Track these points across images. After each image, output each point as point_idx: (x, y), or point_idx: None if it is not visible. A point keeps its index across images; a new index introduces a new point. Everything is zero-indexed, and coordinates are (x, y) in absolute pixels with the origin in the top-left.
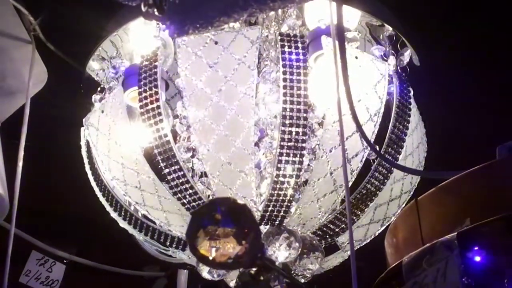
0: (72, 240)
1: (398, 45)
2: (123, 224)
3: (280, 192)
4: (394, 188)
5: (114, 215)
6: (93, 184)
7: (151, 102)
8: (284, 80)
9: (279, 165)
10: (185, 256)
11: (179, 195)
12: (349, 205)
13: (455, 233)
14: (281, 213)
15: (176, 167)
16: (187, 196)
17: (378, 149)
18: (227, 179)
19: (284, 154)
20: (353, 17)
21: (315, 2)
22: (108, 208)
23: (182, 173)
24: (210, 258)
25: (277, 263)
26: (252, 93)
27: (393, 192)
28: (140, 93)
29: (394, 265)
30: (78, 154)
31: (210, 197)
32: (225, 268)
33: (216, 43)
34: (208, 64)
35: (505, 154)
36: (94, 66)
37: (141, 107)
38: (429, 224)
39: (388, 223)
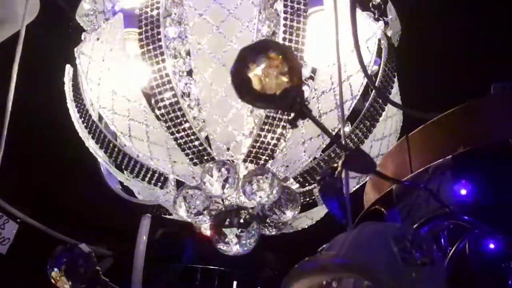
0: (29, 201)
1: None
2: (99, 152)
3: (267, 134)
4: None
5: (91, 142)
6: (76, 116)
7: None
8: (285, 25)
9: None
10: (161, 193)
11: (170, 123)
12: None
13: (449, 157)
14: (268, 152)
15: (171, 93)
16: (180, 131)
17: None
18: (220, 110)
19: None
20: None
21: None
22: (86, 137)
23: (178, 106)
24: (257, 88)
25: (255, 204)
26: (254, 27)
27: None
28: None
29: (382, 194)
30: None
31: (199, 127)
32: (266, 102)
33: None
34: None
35: (499, 91)
36: (85, 7)
37: (141, 46)
38: (419, 157)
39: (359, 184)
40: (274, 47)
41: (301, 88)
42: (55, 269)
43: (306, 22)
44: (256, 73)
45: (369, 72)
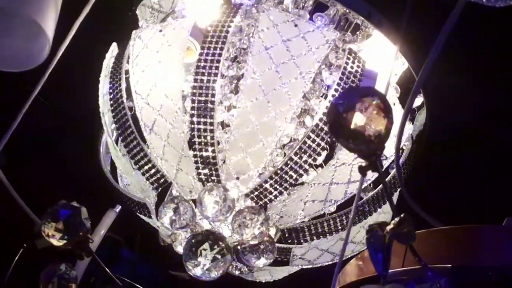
0: None
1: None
2: (110, 129)
3: (277, 180)
4: (361, 232)
5: (106, 117)
6: (104, 91)
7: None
8: (336, 90)
9: (297, 152)
10: (152, 194)
11: (196, 132)
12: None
13: (449, 265)
14: (270, 197)
15: (210, 106)
16: (202, 144)
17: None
18: (247, 140)
19: (305, 147)
20: (400, 71)
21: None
22: (105, 111)
23: (211, 121)
24: (350, 124)
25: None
26: (309, 80)
27: (359, 234)
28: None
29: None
30: None
31: (220, 148)
32: (350, 139)
33: (295, 25)
34: (281, 38)
35: (511, 226)
36: None
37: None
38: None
39: (332, 261)
40: (379, 97)
41: (384, 144)
42: (52, 221)
43: None
44: (356, 111)
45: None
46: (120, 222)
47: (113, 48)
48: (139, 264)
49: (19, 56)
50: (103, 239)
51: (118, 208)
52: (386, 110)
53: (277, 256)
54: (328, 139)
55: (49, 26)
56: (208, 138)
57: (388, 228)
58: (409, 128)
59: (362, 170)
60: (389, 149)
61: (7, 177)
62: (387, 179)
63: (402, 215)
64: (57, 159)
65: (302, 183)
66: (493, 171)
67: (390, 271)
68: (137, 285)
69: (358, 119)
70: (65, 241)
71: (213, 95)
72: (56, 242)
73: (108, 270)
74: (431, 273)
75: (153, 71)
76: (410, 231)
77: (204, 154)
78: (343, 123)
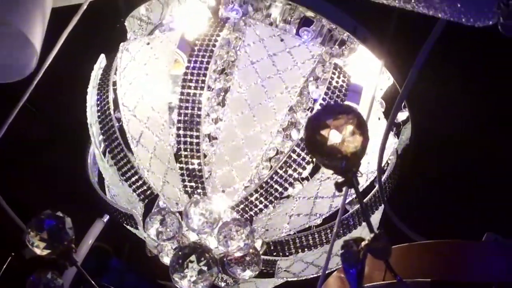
0: None
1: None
2: (97, 140)
3: (262, 194)
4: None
5: (94, 128)
6: (92, 102)
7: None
8: (320, 105)
9: (282, 165)
10: (139, 206)
11: (182, 145)
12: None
13: (428, 280)
14: (255, 210)
15: (196, 120)
16: (188, 157)
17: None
18: (232, 154)
19: (290, 161)
20: (385, 86)
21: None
22: (93, 123)
23: (197, 134)
24: (326, 141)
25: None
26: (295, 95)
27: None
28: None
29: None
30: None
31: (205, 161)
32: (325, 156)
33: (282, 40)
34: (267, 53)
35: (490, 242)
36: (142, 11)
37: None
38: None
39: (317, 274)
40: (355, 114)
41: (360, 160)
42: (37, 231)
43: None
44: (332, 128)
45: (374, 176)
46: (109, 231)
47: (101, 60)
48: (127, 273)
49: (6, 67)
50: (92, 248)
51: (106, 218)
52: (362, 127)
53: (263, 268)
54: None
55: (37, 37)
56: (194, 150)
57: (363, 243)
58: (394, 143)
59: (338, 187)
60: (374, 164)
61: None
62: (372, 193)
63: (377, 231)
64: (46, 169)
65: (288, 197)
66: (478, 184)
67: (368, 284)
68: None
69: (334, 137)
70: (49, 251)
71: (199, 108)
72: (40, 251)
73: (91, 280)
74: None
75: (140, 83)
76: (386, 247)
77: (190, 166)
78: (319, 140)
